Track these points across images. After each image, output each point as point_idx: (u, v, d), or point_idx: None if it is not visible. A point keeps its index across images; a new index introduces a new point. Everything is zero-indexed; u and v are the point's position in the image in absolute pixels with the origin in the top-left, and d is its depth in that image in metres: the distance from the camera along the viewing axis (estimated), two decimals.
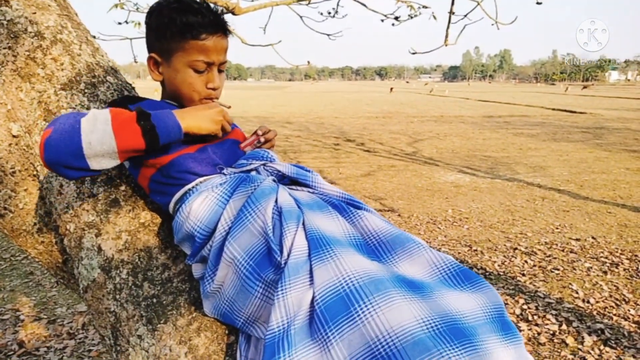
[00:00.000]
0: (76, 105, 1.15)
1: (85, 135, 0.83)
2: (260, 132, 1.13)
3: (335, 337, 0.74)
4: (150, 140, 0.88)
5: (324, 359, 0.74)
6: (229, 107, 1.20)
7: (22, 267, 4.12)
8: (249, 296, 0.86)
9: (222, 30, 1.05)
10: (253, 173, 1.01)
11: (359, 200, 1.02)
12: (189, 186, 0.99)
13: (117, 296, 1.03)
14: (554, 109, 22.30)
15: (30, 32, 1.14)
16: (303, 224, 0.88)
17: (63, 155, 0.83)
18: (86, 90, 1.17)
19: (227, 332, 1.02)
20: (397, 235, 0.91)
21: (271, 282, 0.83)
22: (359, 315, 0.73)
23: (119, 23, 3.59)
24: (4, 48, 1.12)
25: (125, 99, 1.07)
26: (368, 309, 0.73)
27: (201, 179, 1.00)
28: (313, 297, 0.78)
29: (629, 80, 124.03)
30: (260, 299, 0.85)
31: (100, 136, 0.84)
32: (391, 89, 45.08)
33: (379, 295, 0.74)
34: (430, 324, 0.73)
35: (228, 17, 1.10)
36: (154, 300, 1.02)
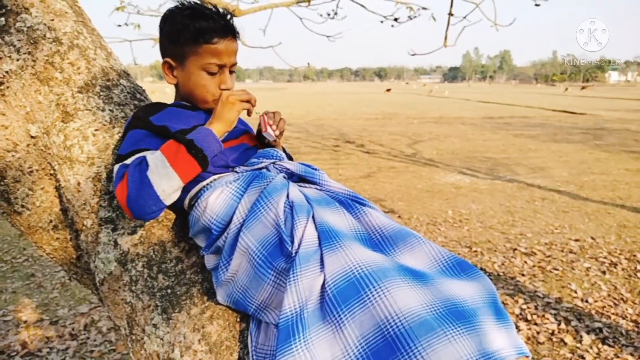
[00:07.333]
0: (92, 107, 1.20)
1: (156, 186, 0.94)
2: (270, 120, 1.17)
3: (348, 318, 0.79)
4: (203, 163, 1.00)
5: (336, 338, 0.80)
6: None
7: (24, 269, 4.13)
8: (261, 283, 0.91)
9: (232, 33, 1.11)
10: (264, 171, 1.07)
11: (363, 198, 1.08)
12: (204, 183, 1.05)
13: (133, 287, 1.09)
14: (554, 110, 22.36)
15: (49, 38, 1.19)
16: (313, 217, 0.94)
17: (146, 208, 0.95)
18: (101, 93, 1.23)
19: (238, 319, 1.07)
20: (399, 230, 0.97)
21: (282, 270, 0.89)
22: (369, 298, 0.79)
23: (119, 25, 3.64)
24: (24, 53, 1.17)
25: (146, 113, 1.10)
26: (378, 293, 0.78)
27: (215, 177, 1.06)
28: (323, 283, 0.84)
29: (629, 81, 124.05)
30: (272, 286, 0.90)
31: (167, 180, 0.95)
32: (387, 89, 44.44)
33: (387, 281, 0.80)
34: (433, 307, 0.79)
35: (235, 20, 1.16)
36: (169, 291, 1.07)
